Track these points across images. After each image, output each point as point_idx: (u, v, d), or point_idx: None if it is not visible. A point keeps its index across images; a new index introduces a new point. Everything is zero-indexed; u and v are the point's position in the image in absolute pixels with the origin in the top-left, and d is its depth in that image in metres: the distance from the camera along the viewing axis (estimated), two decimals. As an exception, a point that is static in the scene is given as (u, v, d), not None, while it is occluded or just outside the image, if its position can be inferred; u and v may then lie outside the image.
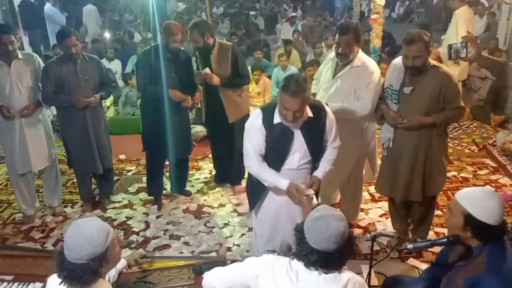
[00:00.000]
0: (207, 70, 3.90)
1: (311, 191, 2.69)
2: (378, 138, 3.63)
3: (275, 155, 2.66)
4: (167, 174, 4.56)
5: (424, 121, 2.94)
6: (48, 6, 9.82)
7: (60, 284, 1.70)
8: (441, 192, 3.70)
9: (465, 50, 2.61)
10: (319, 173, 2.75)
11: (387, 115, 3.06)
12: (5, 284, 2.32)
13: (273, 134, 2.59)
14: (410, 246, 2.04)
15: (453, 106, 2.94)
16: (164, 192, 4.42)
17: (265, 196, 2.81)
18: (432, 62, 2.94)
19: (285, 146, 2.61)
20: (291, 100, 2.41)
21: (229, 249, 3.54)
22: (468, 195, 1.94)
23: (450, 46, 2.66)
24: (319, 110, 2.66)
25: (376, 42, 5.82)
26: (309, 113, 2.60)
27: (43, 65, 3.86)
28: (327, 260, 1.78)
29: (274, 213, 2.81)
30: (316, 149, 2.70)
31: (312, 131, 2.63)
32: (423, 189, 3.11)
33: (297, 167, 2.68)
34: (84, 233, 1.67)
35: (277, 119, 2.58)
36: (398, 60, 3.01)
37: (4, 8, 8.72)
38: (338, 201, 3.92)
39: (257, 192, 2.83)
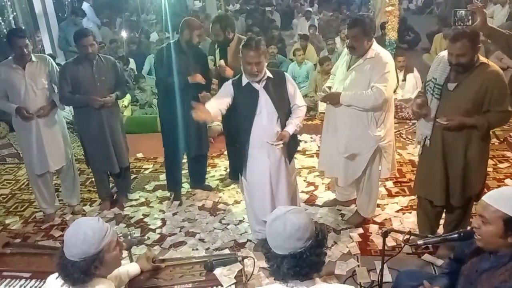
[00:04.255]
0: (222, 62, 3.97)
1: (279, 143, 3.04)
2: (395, 132, 3.59)
3: (245, 114, 3.09)
4: (184, 171, 4.61)
5: (464, 122, 2.74)
6: (86, 5, 10.21)
7: (56, 278, 1.73)
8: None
9: (470, 18, 2.48)
10: (289, 127, 3.11)
11: (416, 104, 2.89)
12: (23, 281, 2.38)
13: (241, 95, 3.08)
14: (420, 241, 2.00)
15: (499, 109, 2.72)
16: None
17: (249, 159, 3.19)
18: (482, 59, 2.73)
19: (253, 104, 3.05)
20: (251, 53, 2.92)
21: (243, 245, 3.57)
22: (503, 196, 1.73)
23: (455, 13, 2.49)
24: (279, 74, 3.17)
25: (391, 34, 5.72)
26: (270, 74, 3.07)
27: (56, 66, 3.95)
28: (300, 264, 1.56)
29: (261, 174, 3.18)
30: (281, 106, 3.09)
31: (275, 90, 3.07)
32: (459, 193, 2.95)
33: (266, 124, 3.07)
34: (80, 232, 1.68)
35: (245, 80, 3.07)
36: (444, 53, 2.82)
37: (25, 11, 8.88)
38: (355, 197, 3.89)
39: (240, 156, 3.24)
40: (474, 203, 2.99)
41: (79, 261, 1.66)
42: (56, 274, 1.74)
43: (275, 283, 1.64)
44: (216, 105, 3.08)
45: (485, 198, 1.77)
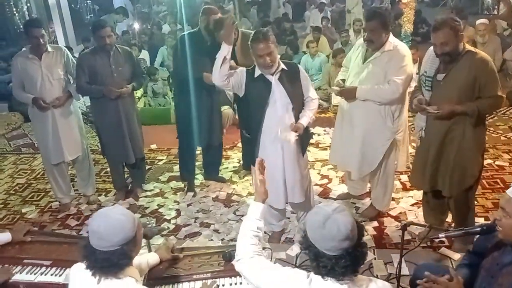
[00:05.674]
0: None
1: (294, 134, 3.03)
2: (410, 125, 3.57)
3: (257, 105, 3.06)
4: (197, 163, 4.62)
5: (454, 110, 2.77)
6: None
7: (92, 275, 1.71)
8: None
9: (497, 7, 2.46)
10: (303, 120, 3.10)
11: (415, 102, 2.96)
12: (43, 268, 2.42)
13: (253, 85, 3.04)
14: (442, 235, 1.98)
15: (489, 95, 2.75)
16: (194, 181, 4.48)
17: (259, 149, 3.16)
18: (468, 47, 2.77)
19: (266, 95, 3.01)
20: (261, 46, 2.86)
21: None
22: None
23: (482, 2, 2.51)
24: (292, 66, 3.15)
25: (407, 27, 5.66)
26: (283, 66, 3.03)
27: (72, 57, 3.97)
28: (356, 260, 1.58)
29: (275, 166, 3.10)
30: (295, 98, 3.07)
31: (289, 81, 3.04)
32: (452, 182, 2.95)
33: (281, 115, 3.03)
34: (113, 220, 1.68)
35: (257, 72, 3.02)
36: None
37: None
38: (367, 191, 3.87)
39: (251, 147, 3.22)
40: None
41: (121, 247, 1.68)
42: (84, 270, 1.73)
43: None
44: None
45: (509, 192, 1.76)
